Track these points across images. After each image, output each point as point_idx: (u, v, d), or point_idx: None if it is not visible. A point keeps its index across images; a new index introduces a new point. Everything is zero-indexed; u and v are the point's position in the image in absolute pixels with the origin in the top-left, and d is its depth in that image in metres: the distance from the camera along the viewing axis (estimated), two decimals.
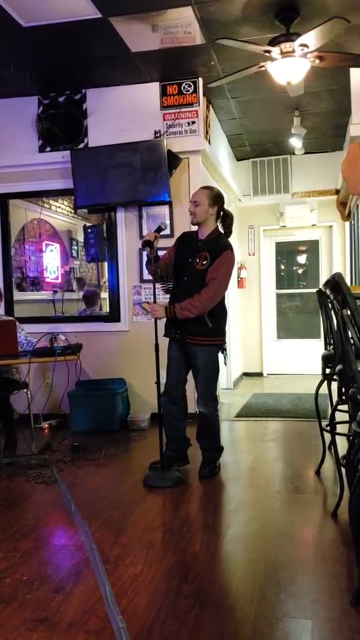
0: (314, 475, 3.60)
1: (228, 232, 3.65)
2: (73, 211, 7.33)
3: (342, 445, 3.70)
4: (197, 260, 3.50)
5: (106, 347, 5.34)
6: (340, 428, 3.46)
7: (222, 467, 3.79)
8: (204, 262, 3.48)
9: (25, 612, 2.07)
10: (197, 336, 3.51)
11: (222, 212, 3.61)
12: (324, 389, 3.73)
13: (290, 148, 6.92)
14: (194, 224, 3.61)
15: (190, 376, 3.68)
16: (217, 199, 3.56)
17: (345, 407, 3.12)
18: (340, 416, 3.24)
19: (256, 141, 6.96)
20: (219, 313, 3.58)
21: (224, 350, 3.66)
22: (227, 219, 3.63)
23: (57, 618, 2.02)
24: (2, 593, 2.23)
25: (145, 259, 3.87)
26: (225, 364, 3.69)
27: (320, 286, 3.87)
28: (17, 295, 5.81)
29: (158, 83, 5.13)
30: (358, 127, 5.02)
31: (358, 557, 2.18)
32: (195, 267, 3.50)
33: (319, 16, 3.86)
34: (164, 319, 3.60)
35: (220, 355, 3.67)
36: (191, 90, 5.09)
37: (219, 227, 3.63)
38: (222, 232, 3.63)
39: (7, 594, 2.21)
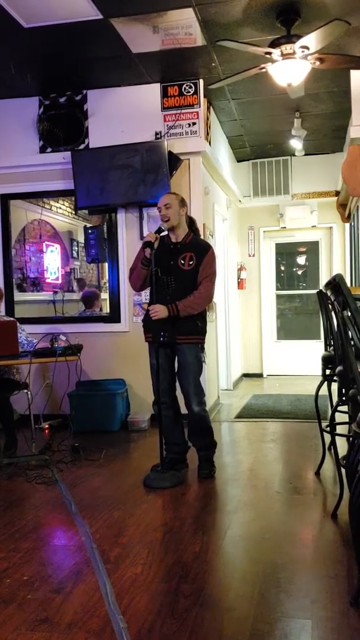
0: (313, 476, 3.61)
1: (196, 233, 3.79)
2: (73, 212, 7.34)
3: (342, 446, 3.71)
4: (183, 262, 3.60)
5: (106, 348, 5.35)
6: (340, 429, 3.48)
7: (222, 467, 3.81)
8: (191, 263, 3.60)
9: (26, 612, 2.07)
10: (188, 336, 3.60)
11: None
12: (324, 390, 3.75)
13: (290, 149, 6.93)
14: (168, 228, 3.64)
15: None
16: (183, 202, 3.70)
17: (345, 408, 3.14)
18: (340, 417, 3.25)
19: (256, 142, 6.97)
20: (204, 313, 3.71)
21: (203, 349, 3.74)
22: (193, 223, 3.78)
23: (57, 618, 2.03)
24: (2, 593, 2.23)
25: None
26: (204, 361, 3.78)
27: (321, 287, 3.88)
28: (18, 296, 5.82)
29: (159, 84, 5.14)
30: (358, 129, 5.03)
31: (358, 557, 2.19)
32: (182, 268, 3.60)
33: (319, 18, 3.88)
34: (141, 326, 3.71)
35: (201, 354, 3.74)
36: (192, 92, 5.09)
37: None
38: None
39: (7, 594, 2.22)
